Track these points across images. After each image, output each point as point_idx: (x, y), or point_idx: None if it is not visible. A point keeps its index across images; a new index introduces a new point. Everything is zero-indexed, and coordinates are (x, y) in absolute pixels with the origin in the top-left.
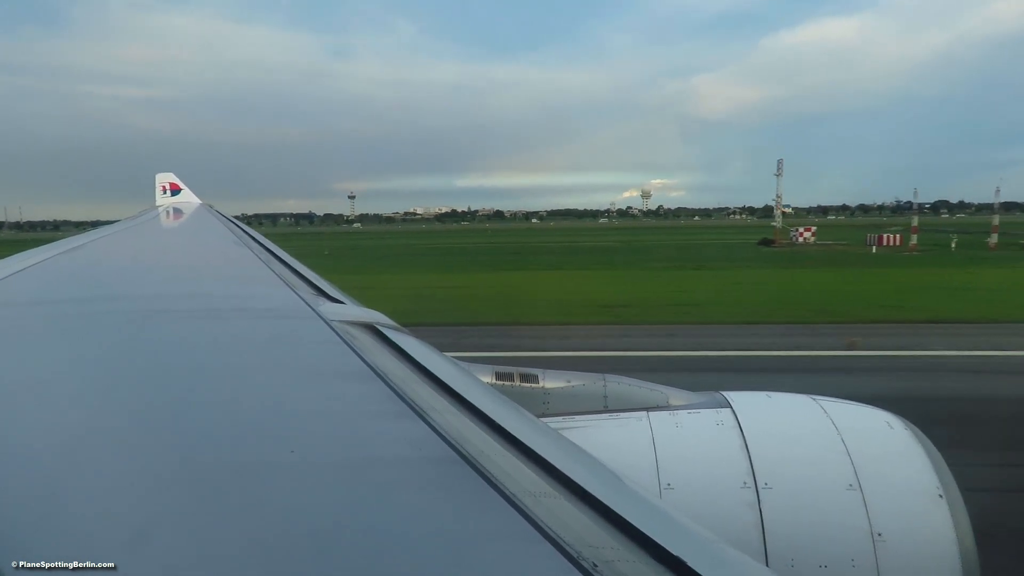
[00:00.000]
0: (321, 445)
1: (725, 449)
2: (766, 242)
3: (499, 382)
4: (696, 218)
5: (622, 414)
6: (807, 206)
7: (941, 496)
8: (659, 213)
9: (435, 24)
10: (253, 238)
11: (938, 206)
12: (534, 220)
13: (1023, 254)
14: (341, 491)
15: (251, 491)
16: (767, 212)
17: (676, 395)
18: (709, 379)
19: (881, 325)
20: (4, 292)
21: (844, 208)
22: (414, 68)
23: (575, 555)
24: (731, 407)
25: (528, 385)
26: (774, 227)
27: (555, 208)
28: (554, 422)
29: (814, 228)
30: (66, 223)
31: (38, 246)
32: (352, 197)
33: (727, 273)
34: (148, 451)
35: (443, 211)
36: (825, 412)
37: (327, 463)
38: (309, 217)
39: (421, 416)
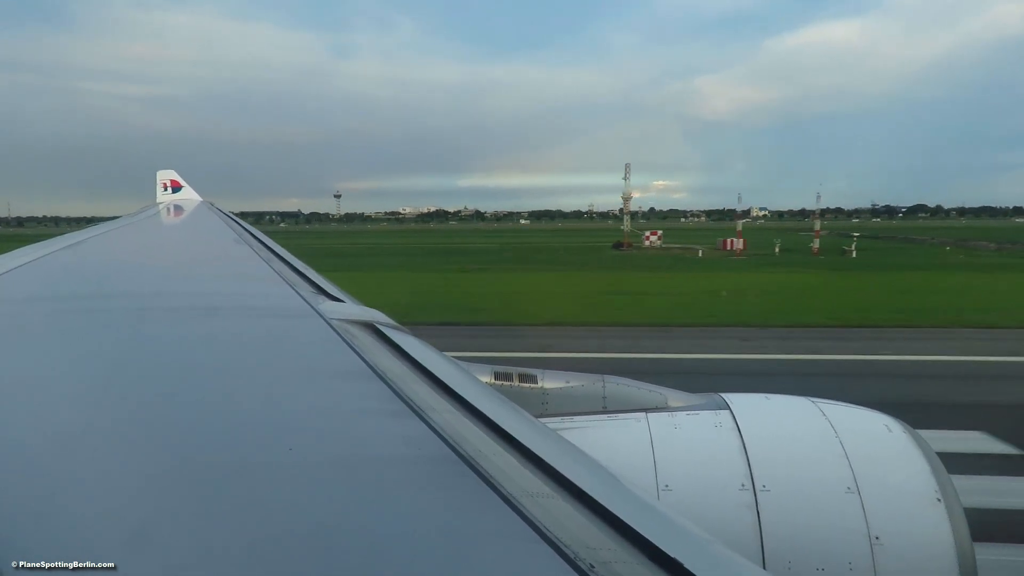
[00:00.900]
0: (320, 444)
1: (723, 451)
2: (618, 245)
3: (498, 382)
4: (682, 219)
5: (621, 415)
6: (793, 209)
7: (939, 500)
8: (637, 214)
9: (435, 23)
10: (253, 235)
11: (916, 210)
12: (523, 220)
13: (841, 260)
14: (339, 490)
15: (250, 490)
16: (726, 215)
17: (675, 396)
18: None
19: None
20: (3, 288)
21: (826, 211)
22: (414, 67)
23: (572, 556)
24: (730, 409)
25: (527, 385)
26: (622, 230)
27: (537, 208)
28: (552, 422)
29: (660, 232)
30: (67, 219)
31: (39, 241)
32: (338, 196)
33: (526, 276)
34: (147, 450)
35: (427, 211)
36: (823, 414)
37: (325, 462)
38: (295, 216)
39: (420, 415)
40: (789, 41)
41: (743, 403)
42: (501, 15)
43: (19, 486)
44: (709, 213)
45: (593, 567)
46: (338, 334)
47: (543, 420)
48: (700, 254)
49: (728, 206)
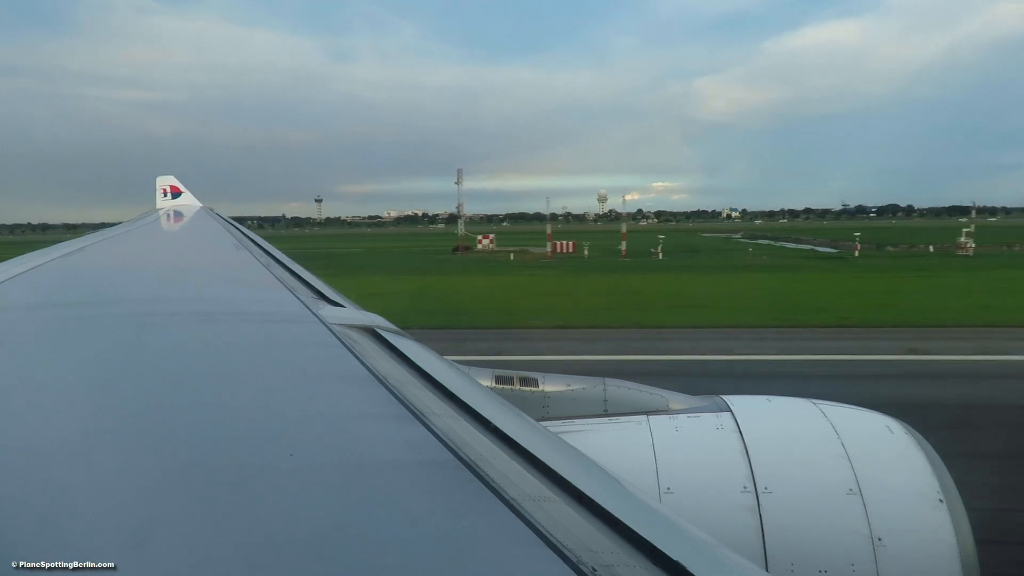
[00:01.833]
0: (321, 449)
1: (725, 453)
2: (456, 248)
3: (499, 386)
4: (643, 221)
5: (622, 418)
6: (773, 209)
7: (942, 501)
8: (610, 216)
9: (435, 26)
10: (254, 241)
11: (887, 210)
12: (504, 224)
13: (638, 262)
14: (341, 495)
15: (251, 494)
16: (714, 215)
17: (676, 399)
18: None
19: None
20: (5, 295)
21: (807, 211)
22: (414, 71)
23: (575, 560)
24: (731, 411)
25: (528, 389)
26: (456, 233)
27: (514, 212)
28: (554, 426)
29: (492, 236)
30: (64, 226)
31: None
32: (319, 200)
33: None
34: (150, 453)
35: (411, 214)
36: (825, 416)
37: (327, 466)
38: (278, 220)
39: (421, 420)
40: (788, 42)
41: (744, 405)
42: (496, 19)
43: (20, 488)
44: (689, 215)
45: (596, 570)
46: (339, 339)
47: (544, 423)
48: (512, 257)
49: (709, 207)
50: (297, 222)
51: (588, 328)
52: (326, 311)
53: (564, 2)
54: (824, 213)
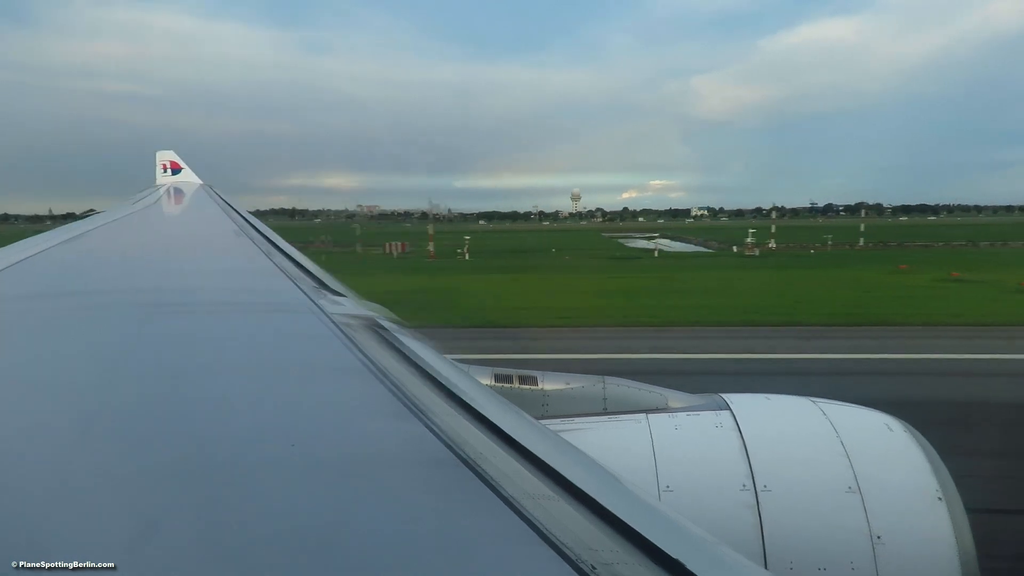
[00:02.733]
0: (320, 442)
1: (724, 451)
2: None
3: (498, 384)
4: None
5: (621, 416)
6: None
7: (940, 499)
8: (582, 215)
9: (428, 23)
10: (253, 226)
11: (857, 208)
12: (480, 222)
13: (448, 262)
14: (340, 490)
15: (251, 487)
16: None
17: (675, 397)
18: None
19: None
20: (7, 283)
21: (778, 209)
22: (404, 67)
23: (574, 557)
24: (730, 409)
25: (527, 387)
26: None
27: (489, 210)
28: (553, 424)
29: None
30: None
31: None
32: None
33: None
34: (148, 448)
35: (391, 211)
36: (824, 414)
37: (326, 460)
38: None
39: (420, 416)
40: (783, 40)
41: (744, 403)
42: (489, 16)
43: (21, 486)
44: (661, 213)
45: (595, 568)
46: (340, 331)
47: (544, 422)
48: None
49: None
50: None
51: None
52: (327, 302)
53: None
54: (796, 211)
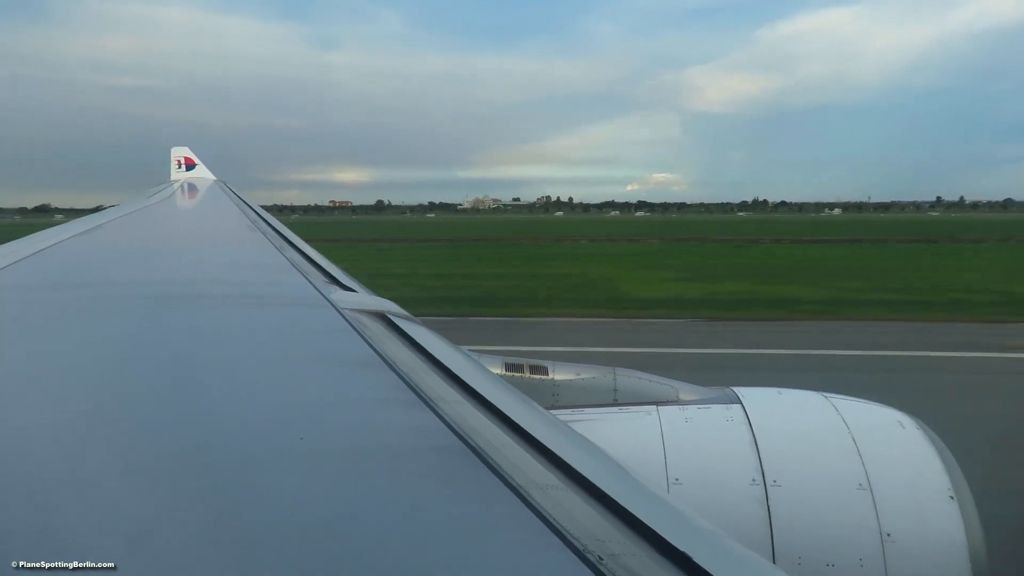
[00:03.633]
0: (331, 433)
1: (734, 445)
2: None
3: (509, 373)
4: (559, 213)
5: (631, 408)
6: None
7: (952, 497)
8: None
9: (421, 14)
10: (266, 221)
11: (782, 205)
12: (429, 214)
13: None
14: (350, 480)
15: (261, 479)
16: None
17: (686, 390)
18: None
19: None
20: (16, 275)
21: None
22: (399, 59)
23: (581, 548)
24: (741, 403)
25: (538, 377)
26: None
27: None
28: (563, 414)
29: None
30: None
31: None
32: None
33: None
34: (159, 439)
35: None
36: (836, 410)
37: (336, 451)
38: None
39: (430, 406)
40: (781, 29)
41: (754, 397)
42: (481, 8)
43: (21, 484)
44: (637, 206)
45: (602, 559)
46: (350, 324)
47: (554, 412)
48: None
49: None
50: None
51: None
52: (338, 295)
53: None
54: (778, 206)
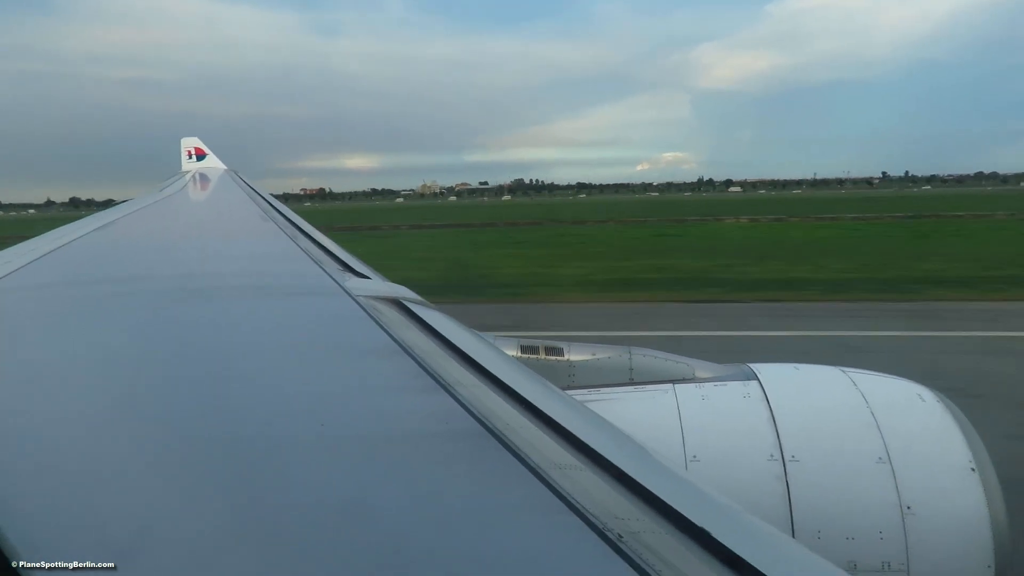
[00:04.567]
0: (350, 419)
1: (752, 421)
2: None
3: (524, 355)
4: (506, 197)
5: (648, 386)
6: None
7: (973, 470)
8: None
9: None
10: (277, 210)
11: (728, 183)
12: (398, 199)
13: None
14: (370, 464)
15: (284, 467)
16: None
17: (702, 367)
18: None
19: None
20: (40, 272)
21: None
22: (403, 43)
23: (601, 526)
24: (758, 379)
25: (553, 358)
26: None
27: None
28: (579, 395)
29: None
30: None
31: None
32: None
33: None
34: (182, 430)
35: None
36: (854, 384)
37: (355, 437)
38: None
39: (447, 390)
40: (791, 4)
41: (772, 373)
42: None
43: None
44: (616, 186)
45: (621, 537)
46: (365, 311)
47: (570, 392)
48: None
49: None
50: None
51: None
52: (352, 283)
53: None
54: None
